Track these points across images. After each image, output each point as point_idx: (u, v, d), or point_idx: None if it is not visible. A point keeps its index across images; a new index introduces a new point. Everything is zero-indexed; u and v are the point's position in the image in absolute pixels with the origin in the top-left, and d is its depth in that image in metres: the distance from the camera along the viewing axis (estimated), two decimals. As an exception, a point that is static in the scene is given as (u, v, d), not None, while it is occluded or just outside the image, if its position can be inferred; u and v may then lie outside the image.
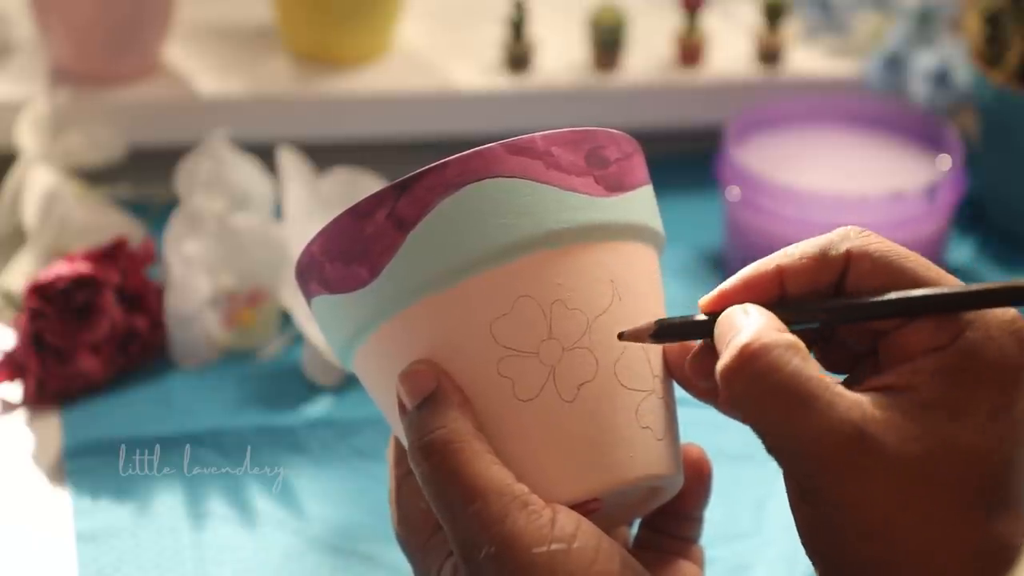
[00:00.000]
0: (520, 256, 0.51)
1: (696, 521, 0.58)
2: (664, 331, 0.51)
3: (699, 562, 0.58)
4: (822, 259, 0.50)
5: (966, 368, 0.47)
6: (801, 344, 0.47)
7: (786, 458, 0.47)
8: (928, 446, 0.46)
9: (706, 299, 0.51)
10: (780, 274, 0.50)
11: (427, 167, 0.51)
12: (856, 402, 0.46)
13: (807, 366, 0.47)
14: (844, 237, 0.50)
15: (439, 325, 0.51)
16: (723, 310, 0.50)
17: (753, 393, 0.47)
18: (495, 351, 0.51)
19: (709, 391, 0.52)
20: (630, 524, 0.59)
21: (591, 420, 0.51)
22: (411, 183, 0.51)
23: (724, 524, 0.72)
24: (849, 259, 0.50)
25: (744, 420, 0.48)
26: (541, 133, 0.52)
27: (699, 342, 0.52)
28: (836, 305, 0.50)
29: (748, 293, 0.50)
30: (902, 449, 0.46)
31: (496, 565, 0.49)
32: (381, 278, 0.52)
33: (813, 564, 0.49)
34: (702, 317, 0.51)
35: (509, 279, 0.51)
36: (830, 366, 0.52)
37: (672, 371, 0.54)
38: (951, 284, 0.49)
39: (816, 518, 0.47)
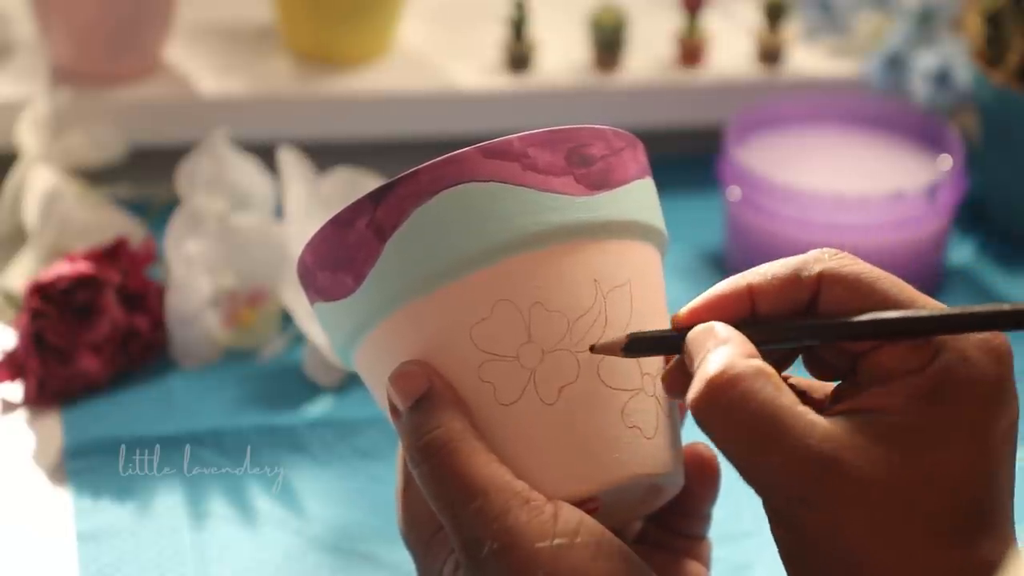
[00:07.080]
0: (498, 260, 0.51)
1: (702, 518, 0.58)
2: (636, 345, 0.51)
3: (706, 558, 0.58)
4: (794, 280, 0.49)
5: (942, 390, 0.46)
6: (771, 370, 0.47)
7: (761, 487, 0.47)
8: (903, 472, 0.45)
9: (678, 314, 0.51)
10: (751, 293, 0.50)
11: (402, 174, 0.51)
12: (829, 429, 0.46)
13: (778, 395, 0.46)
14: (817, 259, 0.49)
15: (422, 331, 0.51)
16: (694, 326, 0.50)
17: (725, 425, 0.46)
18: (476, 356, 0.51)
19: None
20: (636, 521, 0.59)
21: (574, 422, 0.51)
22: (386, 191, 0.51)
23: (725, 523, 0.72)
24: (821, 281, 0.49)
25: (718, 448, 0.48)
26: (519, 134, 0.52)
27: (675, 358, 0.51)
28: (804, 325, 0.49)
29: (719, 311, 0.50)
30: (876, 475, 0.45)
31: (500, 561, 0.48)
32: (364, 286, 0.52)
33: None
34: (674, 333, 0.51)
35: (487, 284, 0.51)
36: (816, 376, 0.52)
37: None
38: (926, 305, 0.48)
39: (794, 544, 0.47)
